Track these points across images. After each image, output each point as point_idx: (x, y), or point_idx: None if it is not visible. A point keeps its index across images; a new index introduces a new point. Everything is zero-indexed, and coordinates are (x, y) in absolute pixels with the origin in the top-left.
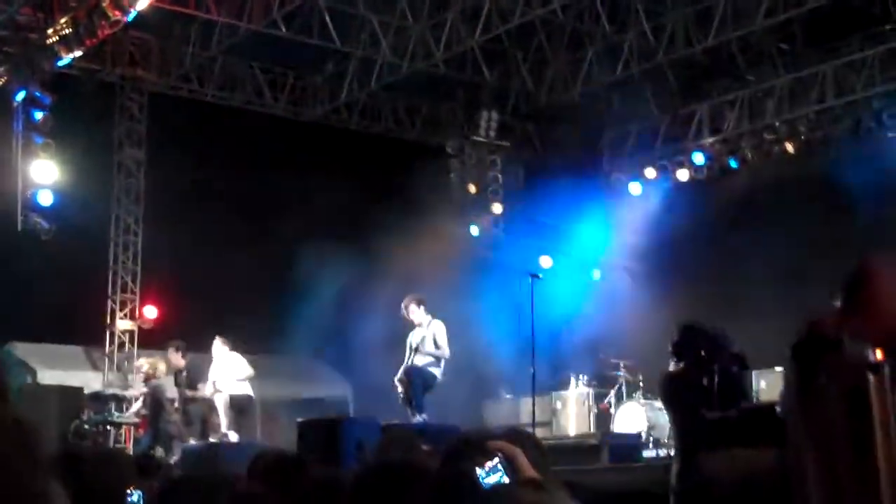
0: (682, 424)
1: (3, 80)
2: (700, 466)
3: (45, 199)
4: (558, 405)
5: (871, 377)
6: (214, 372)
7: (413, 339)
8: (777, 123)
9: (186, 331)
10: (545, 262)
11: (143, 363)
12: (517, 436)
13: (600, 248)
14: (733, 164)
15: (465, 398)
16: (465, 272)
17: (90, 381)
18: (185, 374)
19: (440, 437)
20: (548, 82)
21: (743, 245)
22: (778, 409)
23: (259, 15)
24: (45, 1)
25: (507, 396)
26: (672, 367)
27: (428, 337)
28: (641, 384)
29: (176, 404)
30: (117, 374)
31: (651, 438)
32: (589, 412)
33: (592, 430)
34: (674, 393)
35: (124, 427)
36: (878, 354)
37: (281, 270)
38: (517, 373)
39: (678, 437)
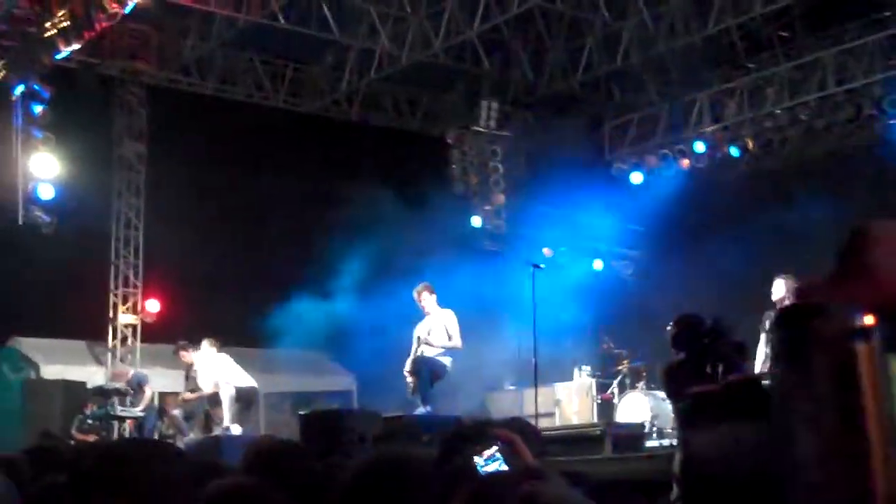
0: (677, 410)
1: (1, 74)
2: (685, 443)
3: (46, 193)
4: (561, 396)
5: (859, 345)
6: (212, 373)
7: (420, 330)
8: (778, 111)
9: (189, 324)
10: (547, 252)
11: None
12: (516, 425)
13: (602, 238)
14: (734, 152)
15: (468, 390)
16: (467, 263)
17: (93, 375)
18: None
19: (442, 429)
20: (548, 71)
21: (744, 233)
22: (764, 381)
23: (257, 6)
24: None
25: (511, 387)
26: (672, 357)
27: (437, 327)
28: (644, 374)
29: (179, 398)
30: (120, 368)
31: (654, 428)
32: (592, 402)
33: (595, 420)
34: (674, 382)
35: (128, 421)
36: (870, 320)
37: (283, 263)
38: (520, 363)
39: (677, 424)
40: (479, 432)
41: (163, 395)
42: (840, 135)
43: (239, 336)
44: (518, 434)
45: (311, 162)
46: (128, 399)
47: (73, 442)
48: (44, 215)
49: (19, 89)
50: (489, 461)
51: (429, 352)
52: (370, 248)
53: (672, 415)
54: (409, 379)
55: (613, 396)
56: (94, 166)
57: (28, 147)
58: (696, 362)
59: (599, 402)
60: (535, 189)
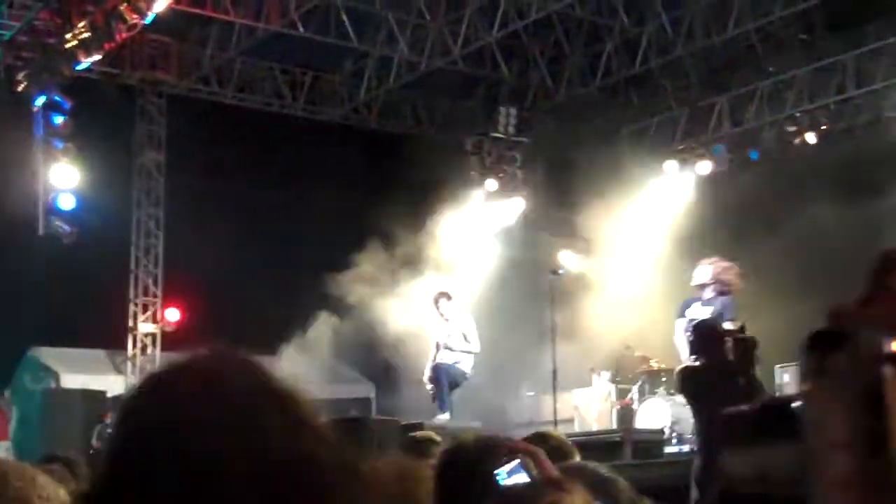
0: (703, 419)
1: (23, 85)
2: (719, 464)
3: (67, 202)
4: (580, 402)
5: (888, 370)
6: None
7: (439, 335)
8: (798, 114)
9: (209, 333)
10: (566, 257)
11: None
12: (540, 437)
13: (622, 243)
14: (754, 155)
15: (487, 396)
16: (486, 269)
17: (113, 384)
18: None
19: (461, 437)
20: (566, 77)
21: (766, 237)
22: (796, 403)
23: (276, 15)
24: (63, 6)
25: (529, 394)
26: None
27: (456, 333)
28: (664, 379)
29: None
30: (140, 377)
31: (674, 434)
32: (612, 408)
33: (615, 426)
34: (693, 387)
35: None
36: None
37: (302, 270)
38: (539, 370)
39: (700, 433)
40: (501, 444)
41: None
42: (861, 137)
43: (258, 344)
44: (542, 446)
45: (331, 169)
46: None
47: (92, 451)
48: (64, 225)
49: (40, 100)
50: (511, 473)
51: (448, 358)
52: (389, 254)
53: (692, 420)
54: (429, 386)
55: (633, 402)
56: (115, 176)
57: (49, 158)
58: (718, 369)
59: (619, 407)
60: (555, 194)
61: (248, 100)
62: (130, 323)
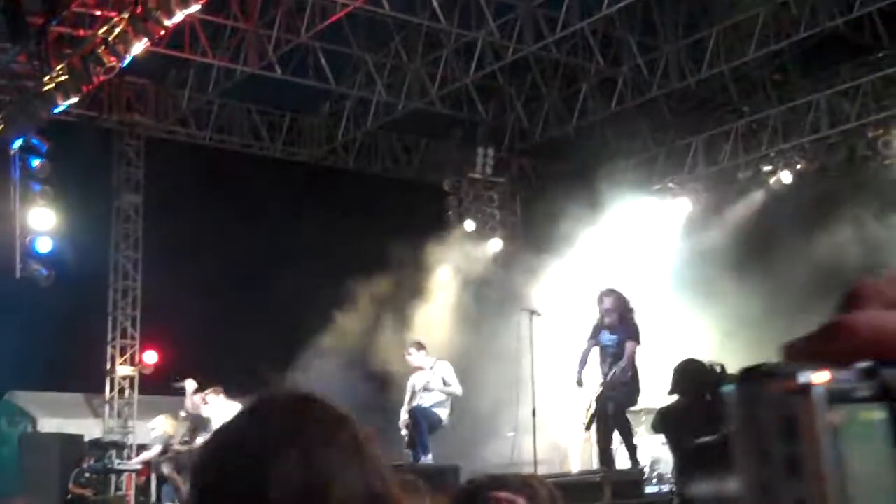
0: (678, 458)
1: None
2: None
3: (44, 245)
4: (561, 442)
5: (802, 400)
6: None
7: (416, 381)
8: (772, 154)
9: (187, 375)
10: (544, 297)
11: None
12: (527, 482)
13: (598, 283)
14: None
15: (465, 436)
16: (464, 309)
17: (91, 427)
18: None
19: (442, 478)
20: (543, 118)
21: (743, 275)
22: None
23: (254, 57)
24: (41, 49)
25: (509, 434)
26: (673, 401)
27: (434, 379)
28: (644, 419)
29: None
30: (118, 421)
31: (655, 474)
32: (591, 448)
33: (595, 466)
34: (675, 429)
35: (125, 474)
36: (820, 377)
37: (280, 313)
38: (518, 410)
39: (676, 472)
40: (484, 492)
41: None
42: (834, 176)
43: (237, 386)
44: (530, 492)
45: (309, 210)
46: (125, 452)
47: (70, 496)
48: (41, 268)
49: (17, 143)
50: None
51: (426, 401)
52: (367, 296)
53: (671, 460)
54: (404, 431)
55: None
56: (92, 218)
57: (26, 200)
58: (702, 410)
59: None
60: (532, 234)
61: (227, 141)
62: (108, 366)
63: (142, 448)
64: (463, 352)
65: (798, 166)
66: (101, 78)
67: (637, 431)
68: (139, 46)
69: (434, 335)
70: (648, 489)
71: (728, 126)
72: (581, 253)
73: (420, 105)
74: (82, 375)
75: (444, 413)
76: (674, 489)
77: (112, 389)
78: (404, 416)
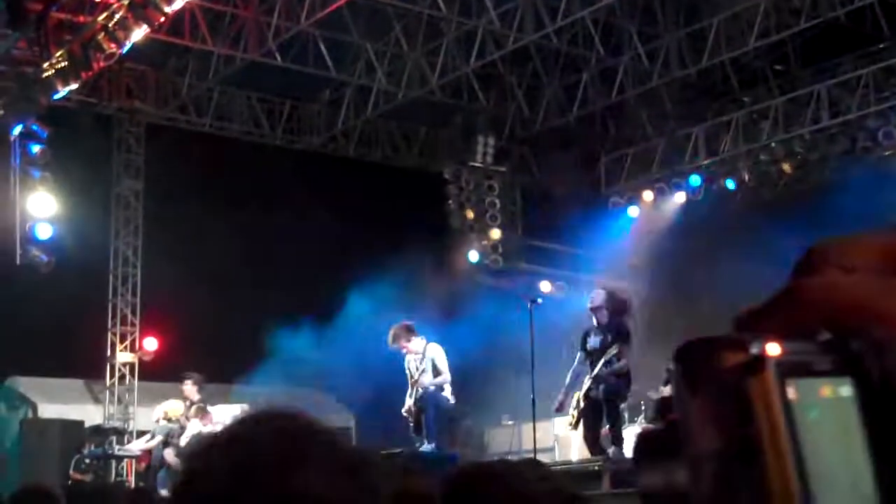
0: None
1: None
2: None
3: (44, 232)
4: (560, 431)
5: (754, 375)
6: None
7: (410, 365)
8: (773, 144)
9: (187, 362)
10: (544, 286)
11: (162, 410)
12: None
13: (599, 272)
14: (730, 185)
15: (466, 425)
16: (464, 299)
17: (91, 414)
18: (195, 408)
19: (441, 465)
20: (543, 107)
21: (743, 266)
22: None
23: (254, 45)
24: (40, 35)
25: (509, 423)
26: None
27: (425, 365)
28: (644, 408)
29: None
30: (118, 407)
31: None
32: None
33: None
34: (649, 452)
35: (125, 460)
36: (771, 349)
37: (281, 300)
38: (518, 399)
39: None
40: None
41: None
42: (835, 167)
43: (238, 374)
44: (523, 479)
45: (309, 198)
46: (125, 438)
47: (70, 482)
48: (42, 255)
49: (17, 129)
50: None
51: (431, 385)
52: (368, 285)
53: None
54: (410, 418)
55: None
56: (92, 205)
57: (26, 187)
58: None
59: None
60: (532, 224)
61: (227, 129)
62: (108, 352)
63: (141, 434)
64: (463, 341)
65: (798, 157)
66: (101, 64)
67: (637, 420)
68: (139, 33)
69: (434, 324)
70: None
71: (729, 116)
72: (581, 242)
73: (420, 93)
74: (82, 362)
75: (448, 394)
76: None
77: (112, 376)
78: (409, 401)
